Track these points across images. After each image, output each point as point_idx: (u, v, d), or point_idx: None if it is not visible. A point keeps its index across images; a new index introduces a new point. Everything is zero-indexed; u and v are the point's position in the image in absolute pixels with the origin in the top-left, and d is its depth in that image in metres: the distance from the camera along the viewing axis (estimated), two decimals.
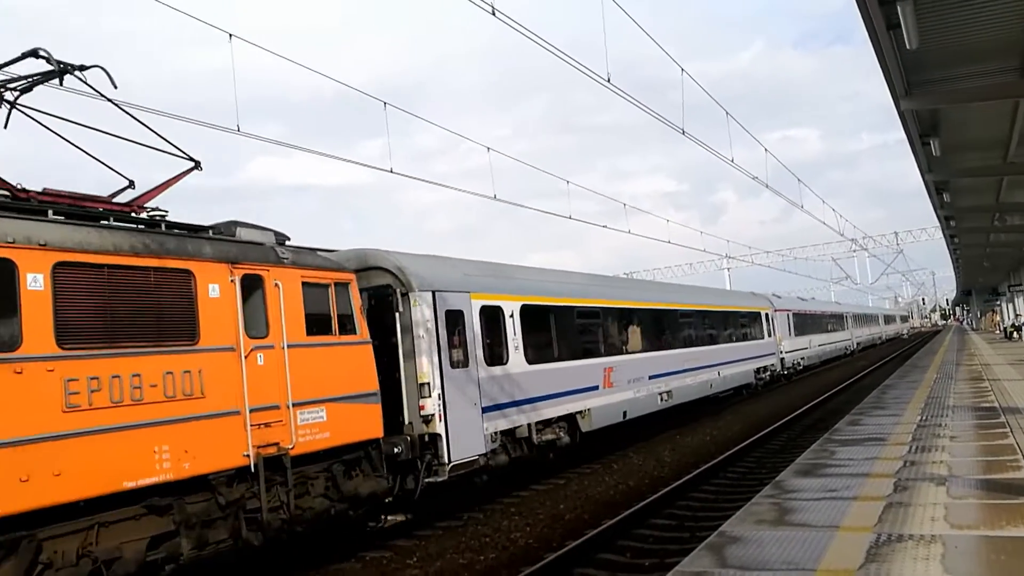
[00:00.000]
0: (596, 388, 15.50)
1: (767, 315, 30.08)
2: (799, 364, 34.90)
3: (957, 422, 11.51)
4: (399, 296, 11.02)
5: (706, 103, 16.39)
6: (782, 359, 31.39)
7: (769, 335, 30.01)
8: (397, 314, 11.00)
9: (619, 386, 16.36)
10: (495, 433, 12.04)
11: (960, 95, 13.24)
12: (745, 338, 27.04)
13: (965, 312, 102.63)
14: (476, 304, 12.25)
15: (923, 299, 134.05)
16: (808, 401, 23.63)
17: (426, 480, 10.71)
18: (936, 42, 10.88)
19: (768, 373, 29.23)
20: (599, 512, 11.31)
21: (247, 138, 11.49)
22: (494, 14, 9.03)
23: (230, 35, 10.78)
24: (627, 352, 17.41)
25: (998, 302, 65.05)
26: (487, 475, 12.15)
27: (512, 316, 13.23)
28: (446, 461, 10.84)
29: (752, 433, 17.71)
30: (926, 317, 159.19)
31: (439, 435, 10.81)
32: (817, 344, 39.58)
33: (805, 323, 37.41)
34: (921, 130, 15.31)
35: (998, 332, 57.11)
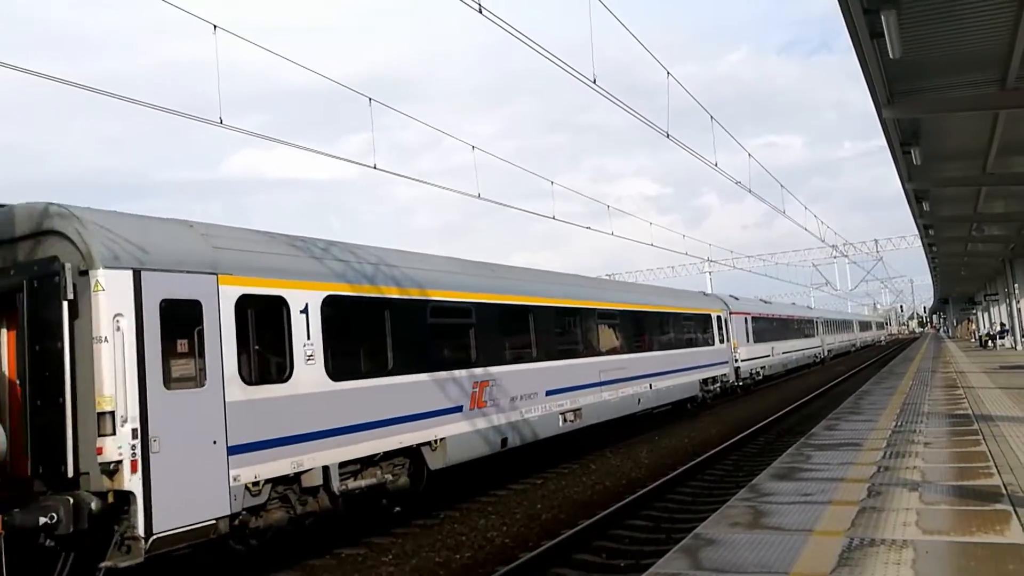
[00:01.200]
0: (459, 409, 11.97)
1: (720, 318, 26.83)
2: (758, 374, 31.37)
3: (931, 429, 11.63)
4: (70, 275, 7.41)
5: (691, 107, 16.43)
6: (737, 368, 28.14)
7: (722, 341, 26.65)
8: (65, 303, 7.39)
9: (496, 405, 12.83)
10: (256, 483, 8.49)
11: (941, 105, 13.39)
12: (691, 344, 23.73)
13: (942, 320, 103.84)
14: (229, 291, 8.57)
15: (901, 306, 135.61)
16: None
17: (107, 565, 7.18)
18: (919, 52, 10.99)
19: (718, 384, 25.93)
20: (576, 512, 11.33)
21: (231, 131, 11.37)
22: (481, 12, 9.01)
23: (215, 26, 10.68)
24: (513, 361, 13.88)
25: (974, 311, 65.83)
26: (250, 542, 8.76)
27: (306, 312, 9.52)
28: (140, 533, 7.23)
29: (730, 436, 17.81)
30: (904, 324, 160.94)
31: (131, 493, 7.25)
32: (781, 351, 36.12)
33: (767, 328, 33.99)
34: (902, 139, 15.47)
35: (973, 340, 57.78)
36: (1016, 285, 35.35)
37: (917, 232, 32.53)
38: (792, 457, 10.01)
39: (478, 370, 12.68)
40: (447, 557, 9.32)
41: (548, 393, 14.62)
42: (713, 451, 15.47)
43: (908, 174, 18.42)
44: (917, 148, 15.71)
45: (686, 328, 23.76)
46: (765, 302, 38.87)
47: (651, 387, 19.71)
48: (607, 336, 18.14)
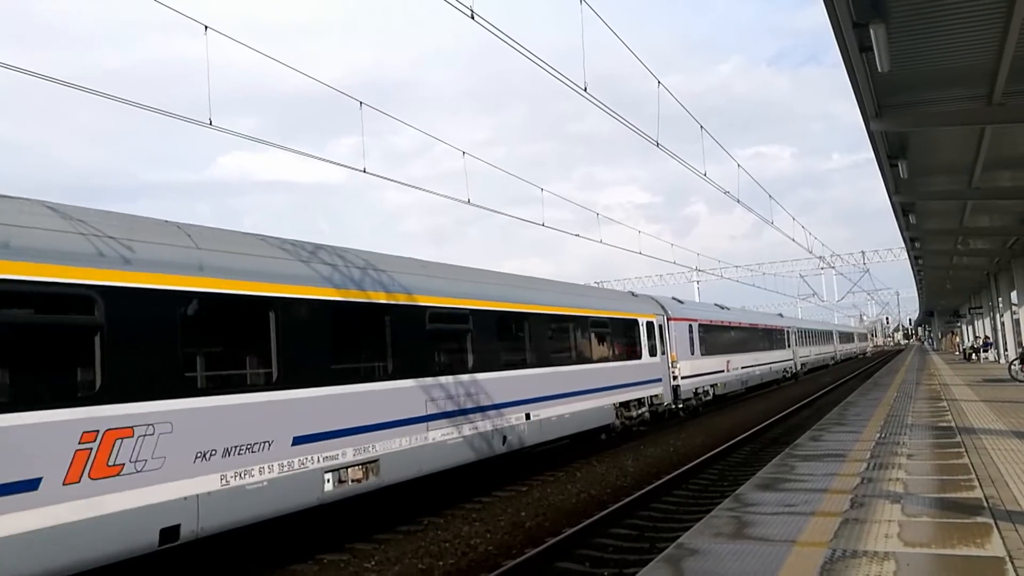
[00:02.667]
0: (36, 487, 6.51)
1: (652, 325, 21.62)
2: (707, 393, 26.09)
3: (915, 440, 11.68)
4: None
5: (681, 117, 16.52)
6: (676, 387, 23.02)
7: (653, 353, 21.42)
8: None
9: (169, 470, 7.61)
10: None
11: (928, 119, 13.50)
12: (604, 358, 18.54)
13: (927, 333, 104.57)
14: None
15: (887, 318, 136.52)
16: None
17: None
18: (907, 66, 11.09)
19: (645, 409, 20.49)
20: (560, 520, 11.31)
21: (220, 132, 11.31)
22: (473, 17, 9.02)
23: (205, 27, 10.63)
24: (208, 392, 8.33)
25: (959, 324, 66.33)
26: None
27: None
28: None
29: (716, 445, 17.84)
30: (889, 336, 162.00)
31: None
32: (740, 366, 31.06)
33: (720, 338, 29.02)
34: (890, 152, 15.59)
35: (958, 353, 58.19)
36: (1000, 299, 35.63)
37: (903, 245, 32.76)
38: (776, 467, 10.03)
39: (96, 412, 7.08)
40: (430, 564, 9.28)
41: (304, 441, 9.25)
42: (698, 460, 15.48)
43: (895, 187, 18.56)
44: (904, 161, 15.85)
45: (596, 337, 18.41)
46: (721, 307, 32.49)
47: (529, 417, 14.42)
48: (445, 347, 12.73)
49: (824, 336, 61.84)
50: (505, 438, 13.74)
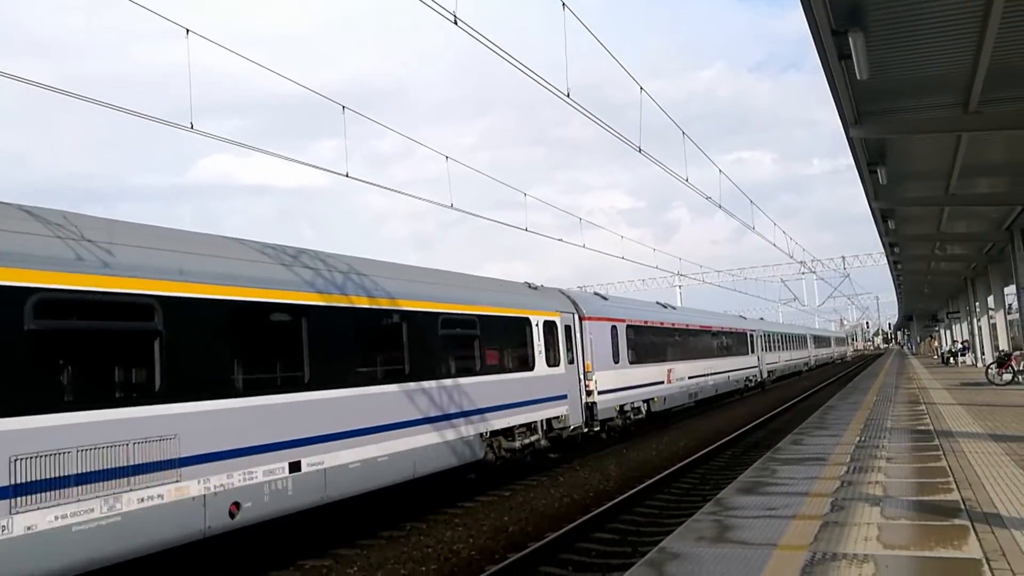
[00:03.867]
0: None
1: (556, 327, 17.03)
2: (638, 410, 21.34)
3: (894, 444, 11.81)
4: None
5: (663, 123, 16.61)
6: (591, 405, 18.33)
7: (554, 363, 16.74)
8: None
9: None
10: None
11: (906, 126, 13.69)
12: (471, 371, 13.73)
13: (906, 337, 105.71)
14: None
15: (867, 323, 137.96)
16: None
17: None
18: (885, 74, 11.24)
19: (539, 437, 15.76)
20: (543, 525, 11.32)
21: (201, 136, 11.25)
22: (456, 23, 9.04)
23: (187, 31, 10.59)
24: None
25: (937, 328, 67.10)
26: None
27: None
28: None
29: (698, 449, 17.92)
30: (869, 340, 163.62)
31: None
32: (687, 375, 26.06)
33: (659, 343, 24.27)
34: (869, 158, 15.79)
35: (936, 357, 58.85)
36: (977, 303, 36.09)
37: (883, 250, 33.12)
38: (758, 471, 10.10)
39: None
40: (412, 569, 9.25)
41: None
42: (680, 464, 15.55)
43: (874, 193, 18.78)
44: (883, 168, 16.05)
45: (450, 342, 13.41)
46: (665, 306, 27.90)
47: (296, 469, 9.45)
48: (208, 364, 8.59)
49: (796, 340, 56.58)
50: (236, 507, 8.55)
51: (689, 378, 26.38)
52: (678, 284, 66.64)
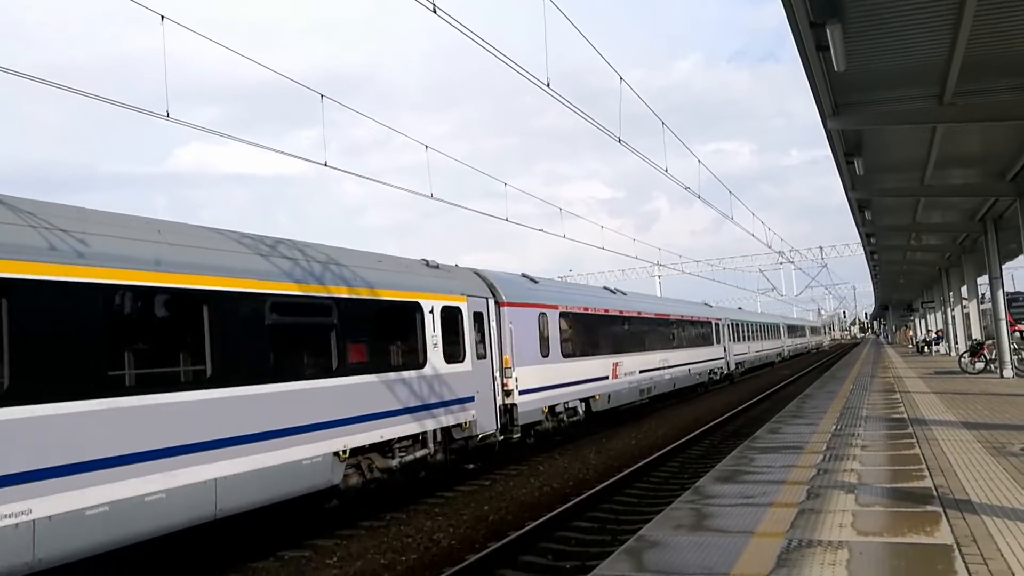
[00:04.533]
0: None
1: (461, 314, 14.16)
2: (573, 412, 18.64)
3: (869, 432, 11.97)
4: None
5: (643, 113, 16.64)
6: (510, 407, 15.59)
7: (458, 358, 13.90)
8: None
9: None
10: None
11: (883, 118, 13.81)
12: (328, 371, 10.85)
13: (882, 326, 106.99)
14: None
15: (844, 312, 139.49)
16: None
17: None
18: (862, 65, 11.32)
19: (428, 451, 12.88)
20: (523, 514, 11.37)
21: (178, 125, 11.12)
22: (435, 11, 8.99)
23: (162, 16, 10.44)
24: None
25: (912, 317, 67.97)
26: None
27: None
28: None
29: (677, 438, 18.06)
30: (846, 330, 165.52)
31: None
32: (637, 369, 23.25)
33: (603, 333, 21.39)
34: (846, 149, 15.92)
35: (911, 346, 59.64)
36: (951, 293, 36.59)
37: (860, 240, 33.45)
38: (736, 460, 10.20)
39: None
40: (392, 559, 9.26)
41: None
42: (659, 453, 15.66)
43: (851, 183, 18.95)
44: (860, 159, 16.19)
45: (301, 334, 10.87)
46: (612, 292, 24.90)
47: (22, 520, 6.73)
48: None
49: (767, 330, 53.35)
50: None
51: (640, 372, 23.49)
52: (657, 274, 66.96)
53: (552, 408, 17.45)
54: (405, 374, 12.31)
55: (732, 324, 39.37)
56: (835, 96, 12.76)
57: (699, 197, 22.45)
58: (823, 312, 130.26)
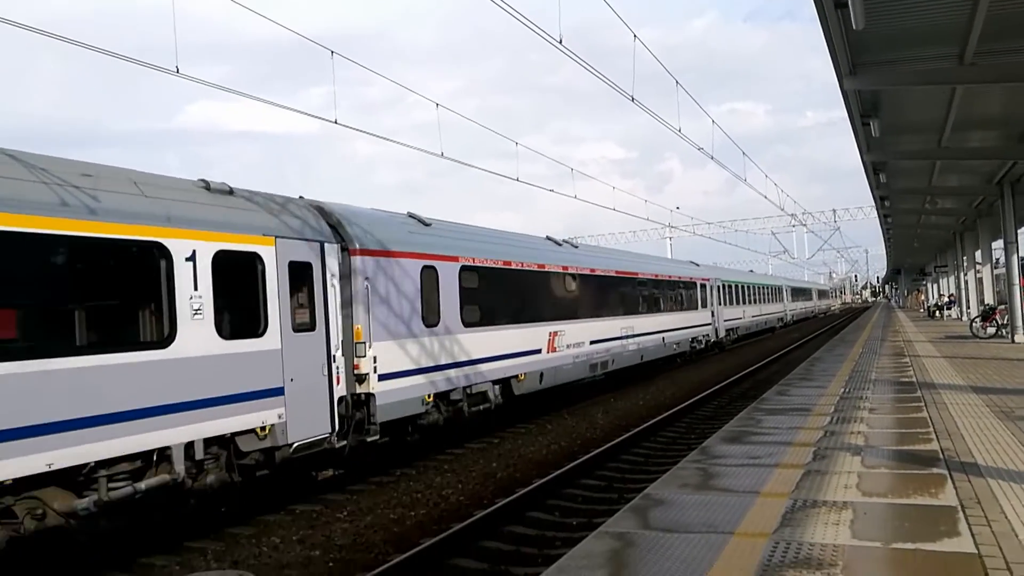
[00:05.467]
0: None
1: (269, 265, 9.74)
2: (481, 398, 14.27)
3: (877, 395, 11.99)
4: None
5: (656, 72, 16.38)
6: (361, 399, 11.25)
7: (252, 330, 9.50)
8: None
9: None
10: None
11: (901, 77, 13.57)
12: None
13: (893, 290, 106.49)
14: None
15: (855, 276, 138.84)
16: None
17: None
18: (881, 24, 11.09)
19: (167, 479, 8.18)
20: (531, 471, 11.50)
21: (187, 81, 11.05)
22: None
23: None
24: None
25: (925, 282, 67.59)
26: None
27: None
28: None
29: (685, 399, 18.15)
30: (857, 294, 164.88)
31: None
32: (587, 339, 18.82)
33: (529, 296, 16.48)
34: (863, 110, 15.67)
35: (922, 310, 59.42)
36: (965, 258, 36.30)
37: (874, 203, 33.12)
38: (743, 421, 10.25)
39: None
40: (402, 514, 9.42)
41: None
42: (667, 413, 15.75)
43: (867, 145, 18.71)
44: (876, 120, 15.95)
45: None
46: (557, 243, 19.59)
47: None
48: None
49: (767, 292, 48.24)
50: None
51: (592, 343, 19.00)
52: (669, 236, 66.65)
53: (444, 395, 13.12)
54: (125, 358, 7.83)
55: (723, 286, 34.71)
56: (852, 55, 12.53)
57: (712, 158, 22.24)
58: (834, 276, 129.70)
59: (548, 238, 19.57)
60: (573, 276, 18.78)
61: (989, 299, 30.93)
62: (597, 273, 20.38)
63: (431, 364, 12.75)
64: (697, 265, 33.51)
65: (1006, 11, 10.67)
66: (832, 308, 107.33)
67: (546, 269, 17.42)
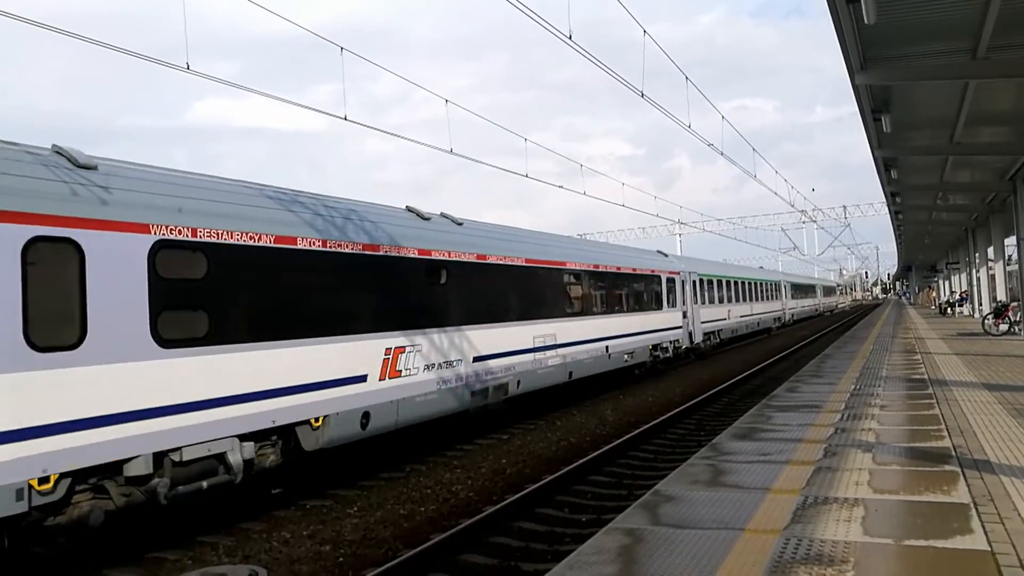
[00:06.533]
0: None
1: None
2: (202, 473, 8.29)
3: (888, 392, 11.93)
4: None
5: (665, 67, 16.38)
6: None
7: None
8: None
9: None
10: None
11: (913, 72, 13.49)
12: None
13: (905, 287, 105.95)
14: None
15: (866, 272, 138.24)
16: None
17: None
18: (893, 18, 11.03)
19: None
20: (540, 467, 11.50)
21: (198, 77, 11.08)
22: None
23: None
24: None
25: (936, 279, 67.20)
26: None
27: None
28: None
29: (694, 395, 18.11)
30: (867, 290, 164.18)
31: None
32: (470, 356, 13.45)
33: (344, 289, 10.71)
34: (874, 106, 15.59)
35: (934, 307, 59.08)
36: (977, 254, 36.08)
37: (884, 199, 32.93)
38: (753, 418, 10.22)
39: None
40: (412, 509, 9.44)
41: None
42: (676, 410, 15.72)
43: (878, 141, 18.60)
44: (887, 115, 15.85)
45: None
46: (421, 216, 13.58)
47: None
48: None
49: (761, 288, 41.80)
50: None
51: (479, 359, 13.59)
52: (678, 232, 66.48)
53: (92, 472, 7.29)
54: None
55: (701, 281, 29.19)
56: (864, 50, 12.45)
57: (722, 154, 22.15)
58: (844, 272, 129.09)
59: (408, 208, 13.54)
60: (440, 265, 12.85)
61: (1001, 296, 30.73)
62: (489, 261, 14.45)
63: (49, 422, 6.85)
64: (665, 255, 27.77)
65: (1020, 5, 10.58)
66: (840, 306, 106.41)
67: (384, 253, 11.47)
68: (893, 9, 10.67)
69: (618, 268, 21.20)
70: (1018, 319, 24.04)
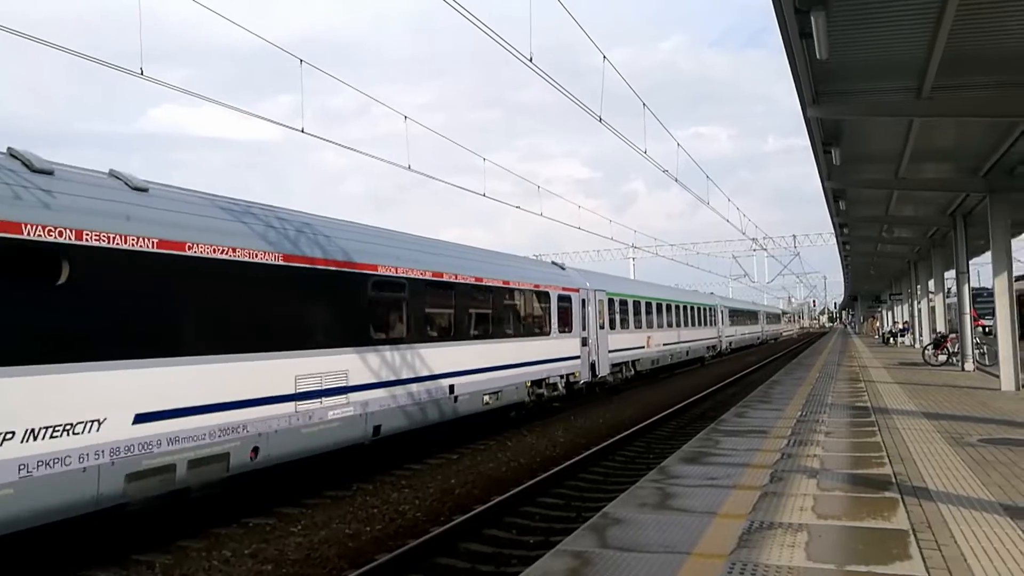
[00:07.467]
0: None
1: None
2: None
3: (833, 419, 12.16)
4: None
5: (624, 93, 16.58)
6: None
7: None
8: None
9: None
10: None
11: (861, 108, 13.87)
12: None
13: (850, 316, 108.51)
14: None
15: (814, 301, 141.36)
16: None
17: None
18: (844, 55, 11.33)
19: None
20: (490, 488, 11.42)
21: (152, 84, 10.87)
22: None
23: None
24: None
25: (880, 309, 68.97)
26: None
27: None
28: None
29: (644, 419, 18.21)
30: (815, 319, 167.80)
31: None
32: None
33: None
34: (824, 138, 15.97)
35: (877, 337, 60.57)
36: (919, 286, 37.13)
37: (833, 230, 33.74)
38: (701, 442, 10.31)
39: None
40: (357, 529, 9.27)
41: None
42: (626, 432, 15.79)
43: (828, 173, 19.05)
44: (837, 149, 16.26)
45: None
46: (139, 190, 8.58)
47: None
48: None
49: (691, 313, 37.22)
50: None
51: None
52: (632, 256, 67.16)
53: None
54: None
55: (611, 301, 24.29)
56: (816, 84, 12.78)
57: (676, 180, 22.49)
58: (793, 300, 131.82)
59: (112, 172, 8.95)
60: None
61: (941, 327, 31.65)
62: (236, 259, 9.39)
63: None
64: (562, 268, 22.69)
65: (962, 47, 10.98)
66: (786, 334, 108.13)
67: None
68: (844, 46, 10.99)
69: (477, 280, 15.80)
70: (956, 350, 24.76)
